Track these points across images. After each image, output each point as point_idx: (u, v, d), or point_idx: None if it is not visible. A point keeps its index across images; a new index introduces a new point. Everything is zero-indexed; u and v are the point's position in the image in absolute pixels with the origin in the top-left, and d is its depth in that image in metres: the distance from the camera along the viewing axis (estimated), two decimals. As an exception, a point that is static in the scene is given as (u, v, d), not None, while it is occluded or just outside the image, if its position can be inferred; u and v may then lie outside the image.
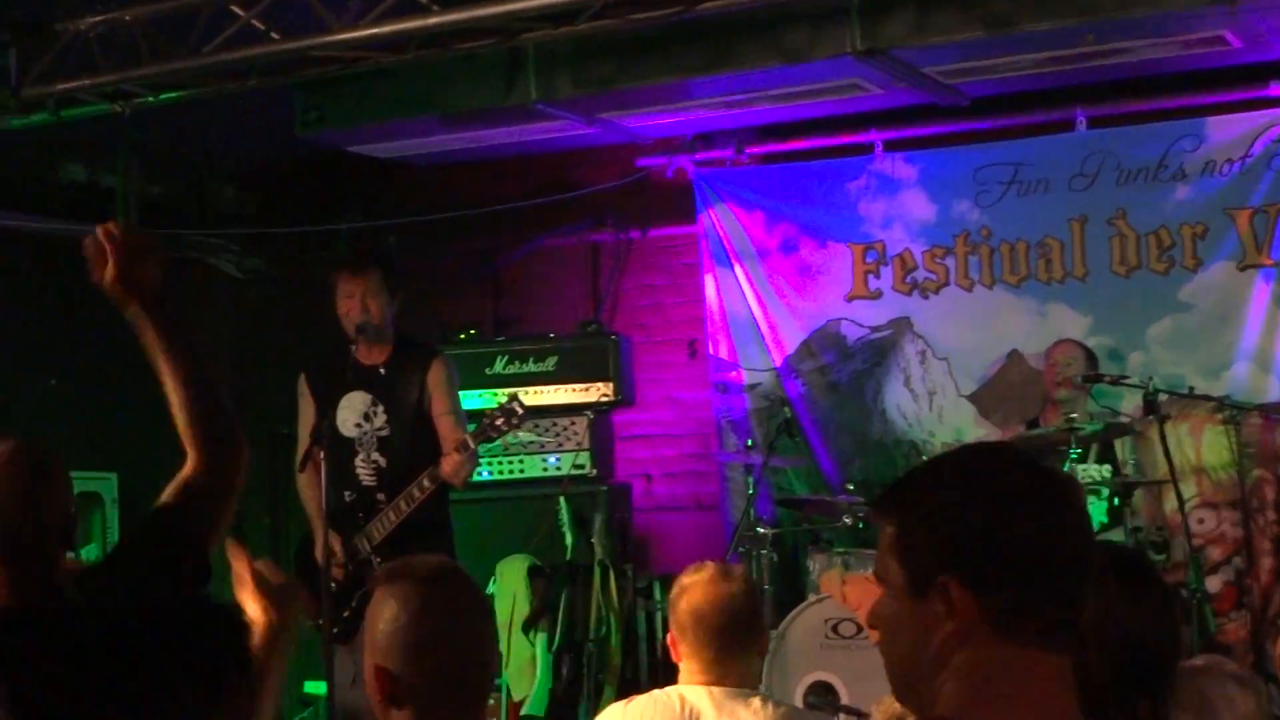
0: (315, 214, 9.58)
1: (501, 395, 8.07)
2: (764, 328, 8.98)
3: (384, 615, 2.90)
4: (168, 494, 3.41)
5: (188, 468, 3.43)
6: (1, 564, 3.25)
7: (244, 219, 9.85)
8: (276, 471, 9.16)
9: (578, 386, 8.64)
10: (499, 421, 6.81)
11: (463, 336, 8.94)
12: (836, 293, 8.92)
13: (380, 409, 6.95)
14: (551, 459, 8.62)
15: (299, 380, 7.11)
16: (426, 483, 6.73)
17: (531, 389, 8.46)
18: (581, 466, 8.54)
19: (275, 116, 8.46)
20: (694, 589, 4.22)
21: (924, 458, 8.16)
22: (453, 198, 9.31)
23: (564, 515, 8.07)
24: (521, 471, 8.60)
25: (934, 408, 8.77)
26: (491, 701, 7.51)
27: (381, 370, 6.96)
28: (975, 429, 8.65)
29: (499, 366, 8.72)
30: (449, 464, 6.68)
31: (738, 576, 4.35)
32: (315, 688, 8.34)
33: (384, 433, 6.95)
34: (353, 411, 6.97)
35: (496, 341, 8.98)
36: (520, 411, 6.79)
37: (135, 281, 3.49)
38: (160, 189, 9.56)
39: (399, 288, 7.03)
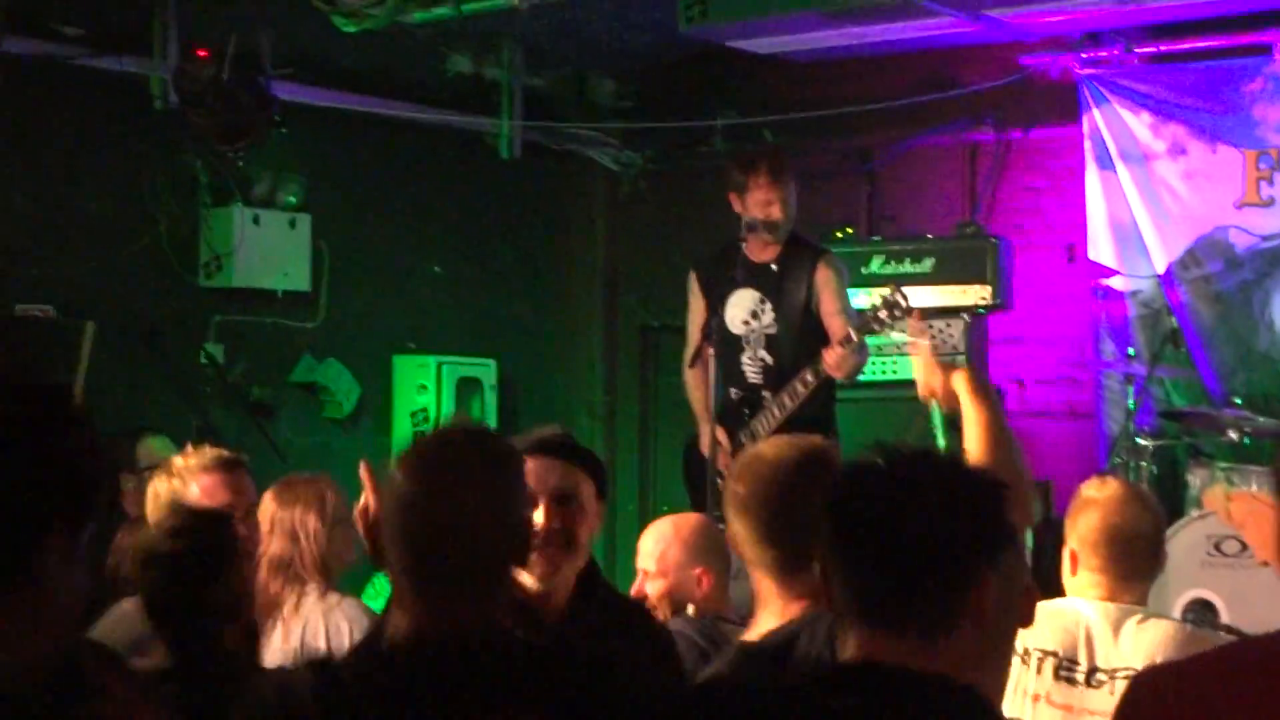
0: (692, 109, 9.64)
1: (876, 295, 8.06)
2: (1148, 233, 8.72)
3: None
4: None
5: None
6: (429, 586, 2.80)
7: (622, 113, 9.96)
8: (645, 364, 9.32)
9: (955, 288, 8.49)
10: (882, 313, 6.78)
11: (839, 235, 8.89)
12: (1226, 199, 8.58)
13: (768, 306, 6.98)
14: (925, 361, 8.51)
15: (689, 277, 7.18)
16: (810, 377, 6.76)
17: (907, 289, 8.35)
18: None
19: (657, 10, 8.50)
20: (1110, 507, 4.16)
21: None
22: (830, 94, 9.23)
23: (936, 418, 8.00)
24: (895, 373, 8.53)
25: (1325, 322, 8.46)
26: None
27: (772, 268, 6.98)
28: (1367, 344, 8.32)
29: (875, 266, 8.63)
30: (832, 356, 6.69)
31: (1151, 499, 4.30)
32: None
33: (771, 330, 6.98)
34: (741, 309, 7.02)
35: (873, 241, 8.91)
36: (904, 303, 6.75)
37: (947, 389, 3.84)
38: (542, 81, 9.72)
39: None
